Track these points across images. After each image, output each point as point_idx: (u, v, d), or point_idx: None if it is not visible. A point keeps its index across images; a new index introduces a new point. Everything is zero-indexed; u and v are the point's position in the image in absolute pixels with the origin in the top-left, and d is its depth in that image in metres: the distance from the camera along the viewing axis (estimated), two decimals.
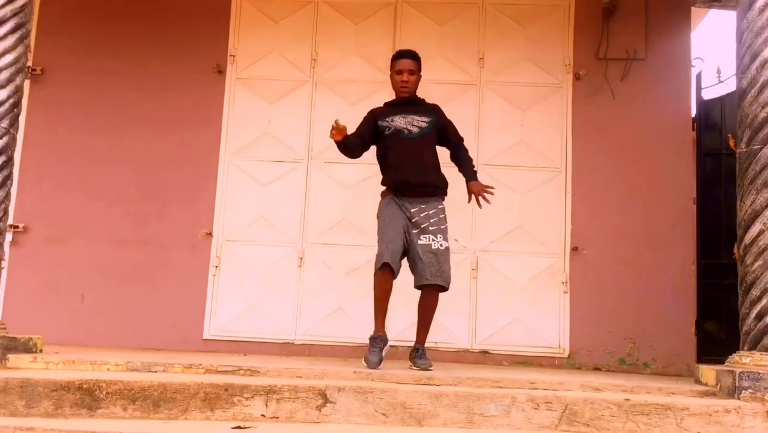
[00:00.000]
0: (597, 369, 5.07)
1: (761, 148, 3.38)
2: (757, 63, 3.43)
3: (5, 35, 3.69)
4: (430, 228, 3.86)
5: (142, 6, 5.73)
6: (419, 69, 4.04)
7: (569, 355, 5.13)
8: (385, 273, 3.77)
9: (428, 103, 4.14)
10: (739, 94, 3.58)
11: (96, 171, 5.54)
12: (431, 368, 3.65)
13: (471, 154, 4.26)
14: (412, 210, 3.89)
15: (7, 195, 3.70)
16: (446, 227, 3.95)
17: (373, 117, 4.05)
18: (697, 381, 3.56)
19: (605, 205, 5.30)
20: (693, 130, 5.45)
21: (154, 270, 5.39)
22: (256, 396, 2.89)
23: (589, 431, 2.78)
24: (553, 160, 5.40)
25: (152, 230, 5.45)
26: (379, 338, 3.77)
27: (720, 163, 5.43)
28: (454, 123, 4.23)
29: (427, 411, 2.85)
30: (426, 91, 4.28)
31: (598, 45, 5.48)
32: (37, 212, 5.47)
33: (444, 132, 4.10)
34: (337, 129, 3.75)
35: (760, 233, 3.32)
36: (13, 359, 3.42)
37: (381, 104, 4.24)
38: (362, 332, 5.21)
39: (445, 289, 3.87)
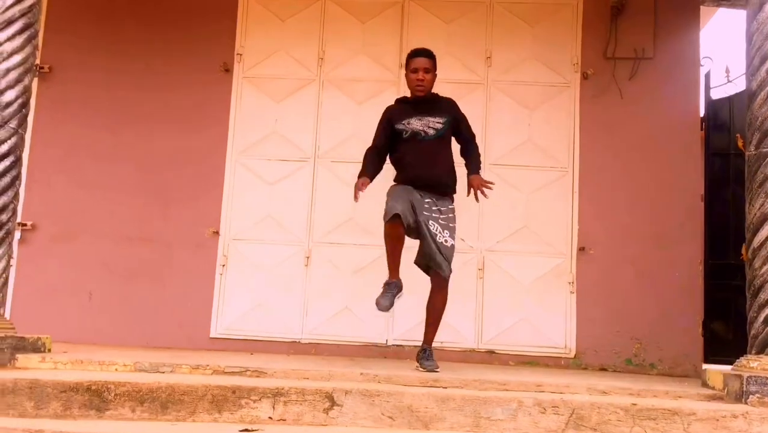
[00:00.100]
0: (603, 369, 5.06)
1: None
2: (767, 65, 3.41)
3: (13, 36, 3.70)
4: (440, 221, 3.88)
5: (150, 4, 5.73)
6: (435, 67, 4.01)
7: (576, 355, 5.13)
8: (395, 223, 3.72)
9: (443, 99, 4.08)
10: (749, 96, 3.56)
11: (104, 169, 5.55)
12: (438, 370, 3.65)
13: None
14: (425, 200, 3.89)
15: (16, 195, 3.72)
16: (454, 227, 3.96)
17: (389, 121, 4.03)
18: (705, 384, 3.55)
19: (612, 206, 5.28)
20: (701, 129, 5.42)
21: (161, 268, 5.41)
22: (263, 398, 2.90)
23: None
24: (561, 160, 5.38)
25: (160, 228, 5.46)
26: (393, 284, 3.80)
27: (728, 163, 5.41)
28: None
29: (434, 415, 2.86)
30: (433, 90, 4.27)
31: (606, 44, 5.45)
32: (45, 210, 5.49)
33: (457, 127, 4.10)
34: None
35: None
36: (21, 358, 3.44)
37: (392, 102, 4.22)
38: (369, 331, 5.26)
39: (446, 276, 3.85)
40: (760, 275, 3.32)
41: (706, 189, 5.35)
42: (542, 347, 5.15)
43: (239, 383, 2.97)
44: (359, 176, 3.98)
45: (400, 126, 3.96)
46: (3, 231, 3.59)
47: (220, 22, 5.67)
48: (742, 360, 3.31)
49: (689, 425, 2.78)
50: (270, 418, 2.87)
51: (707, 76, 5.51)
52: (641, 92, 5.41)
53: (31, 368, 3.40)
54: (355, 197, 3.87)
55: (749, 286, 3.41)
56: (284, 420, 2.87)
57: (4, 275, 3.60)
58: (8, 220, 3.63)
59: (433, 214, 3.88)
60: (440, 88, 4.46)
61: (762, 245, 3.33)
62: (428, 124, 3.93)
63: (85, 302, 5.41)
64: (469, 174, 4.07)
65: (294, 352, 5.19)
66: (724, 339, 5.18)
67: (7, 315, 3.73)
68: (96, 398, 2.92)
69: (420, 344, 4.06)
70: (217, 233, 5.43)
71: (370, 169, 3.98)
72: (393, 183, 4.07)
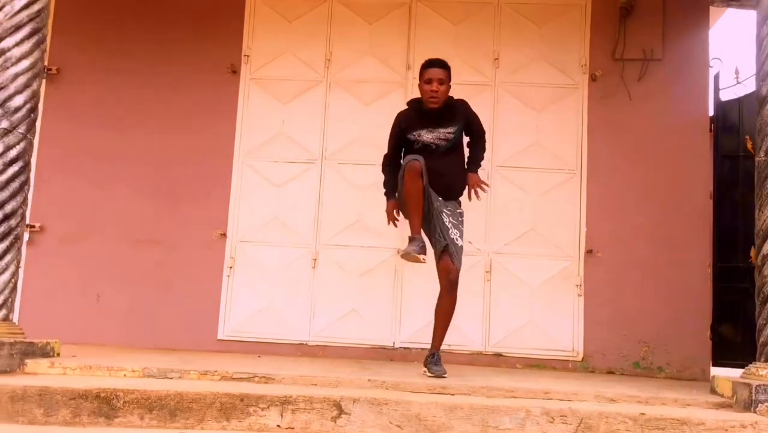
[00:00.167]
0: (611, 373, 5.06)
1: None
2: None
3: (22, 40, 3.70)
4: (452, 219, 3.88)
5: (157, 6, 5.73)
6: (449, 78, 3.94)
7: (583, 358, 5.12)
8: (412, 169, 3.67)
9: (455, 105, 4.00)
10: (759, 101, 3.54)
11: (111, 170, 5.56)
12: (445, 376, 3.65)
13: (485, 155, 4.26)
14: (438, 197, 3.91)
15: (25, 200, 3.72)
16: (463, 229, 3.95)
17: (401, 131, 4.01)
18: (713, 391, 3.54)
19: (620, 208, 5.27)
20: (710, 131, 5.39)
21: (168, 270, 5.42)
22: (271, 406, 2.91)
23: None
24: (568, 162, 5.37)
25: (167, 230, 5.47)
26: (417, 238, 3.74)
27: (737, 165, 5.38)
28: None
29: (442, 423, 2.86)
30: None
31: (615, 45, 5.43)
32: (53, 211, 5.50)
33: (469, 127, 4.09)
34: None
35: None
36: (31, 364, 3.46)
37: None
38: (376, 333, 5.26)
39: (456, 273, 3.82)
40: None
41: (715, 191, 5.33)
42: (550, 350, 5.15)
43: (247, 391, 2.97)
44: (386, 197, 4.10)
45: (411, 136, 3.95)
46: (12, 237, 3.60)
47: (227, 23, 5.67)
48: (751, 368, 3.30)
49: None
50: (278, 426, 2.88)
51: (716, 77, 5.47)
52: (650, 94, 5.38)
53: (40, 373, 3.42)
54: (394, 224, 4.08)
55: (758, 293, 3.40)
56: (292, 428, 2.88)
57: (13, 281, 3.62)
58: (17, 225, 3.64)
59: (445, 210, 3.89)
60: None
61: None
62: (439, 136, 3.91)
63: (93, 303, 5.43)
64: (467, 171, 4.08)
65: (301, 354, 5.21)
66: (732, 342, 5.15)
67: (15, 318, 3.74)
68: (105, 406, 2.93)
69: (426, 346, 4.06)
70: (224, 235, 5.44)
71: (393, 186, 4.05)
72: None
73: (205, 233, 5.46)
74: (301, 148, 5.52)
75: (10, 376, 3.28)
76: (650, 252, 5.20)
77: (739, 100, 5.43)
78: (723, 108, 5.46)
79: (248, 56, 5.64)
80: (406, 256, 3.76)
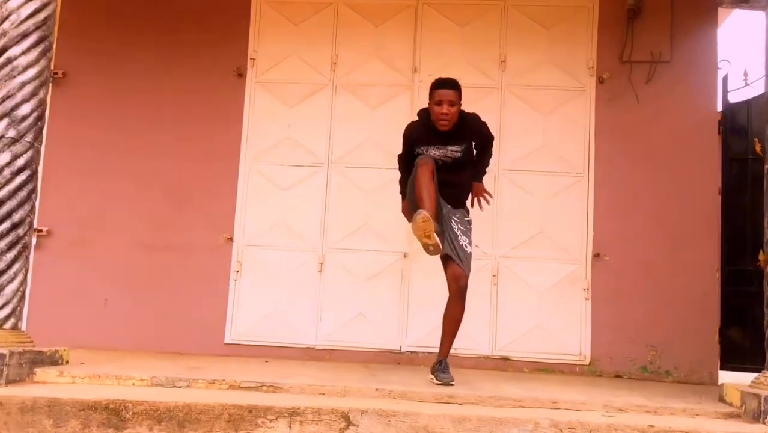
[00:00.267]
0: (618, 377, 5.05)
1: None
2: None
3: (28, 49, 3.70)
4: (460, 226, 3.88)
5: (163, 9, 5.73)
6: (460, 99, 3.85)
7: (590, 362, 5.11)
8: (426, 170, 3.64)
9: (465, 122, 3.92)
10: None
11: (118, 174, 5.57)
12: (453, 383, 3.65)
13: (492, 159, 4.26)
14: (447, 204, 3.91)
15: (32, 209, 3.73)
16: (471, 237, 3.94)
17: (411, 144, 3.98)
18: (721, 399, 3.53)
19: (628, 211, 5.25)
20: (719, 133, 5.36)
21: (176, 274, 5.43)
22: (279, 418, 2.91)
23: None
24: (576, 165, 5.35)
25: (174, 233, 5.48)
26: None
27: (746, 167, 5.34)
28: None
29: None
30: None
31: (623, 47, 5.40)
32: (60, 216, 5.52)
33: (477, 138, 4.07)
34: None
35: None
36: (39, 373, 3.47)
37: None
38: (382, 337, 5.26)
39: (465, 279, 3.80)
40: None
41: (723, 194, 5.30)
42: (557, 354, 5.14)
43: (255, 402, 2.97)
44: (403, 197, 4.12)
45: (419, 151, 3.93)
46: (20, 245, 3.61)
47: (233, 26, 5.66)
48: (760, 377, 3.29)
49: None
50: None
51: (725, 79, 5.44)
52: (658, 96, 5.36)
53: (49, 382, 3.43)
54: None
55: (767, 302, 3.38)
56: None
57: (21, 289, 3.62)
58: (25, 234, 3.65)
59: (454, 217, 3.89)
60: None
61: None
62: (446, 153, 3.89)
63: (100, 307, 5.45)
64: (472, 179, 4.09)
65: (308, 358, 5.21)
66: (740, 346, 5.13)
67: (23, 323, 3.75)
68: (114, 417, 2.93)
69: (433, 350, 4.06)
70: (231, 239, 5.44)
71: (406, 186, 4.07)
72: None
73: (211, 236, 5.47)
74: (307, 152, 5.52)
75: (20, 386, 3.29)
76: (658, 255, 5.18)
77: (747, 102, 5.40)
78: (731, 110, 5.43)
79: (254, 59, 5.64)
80: (415, 223, 3.49)
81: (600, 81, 5.39)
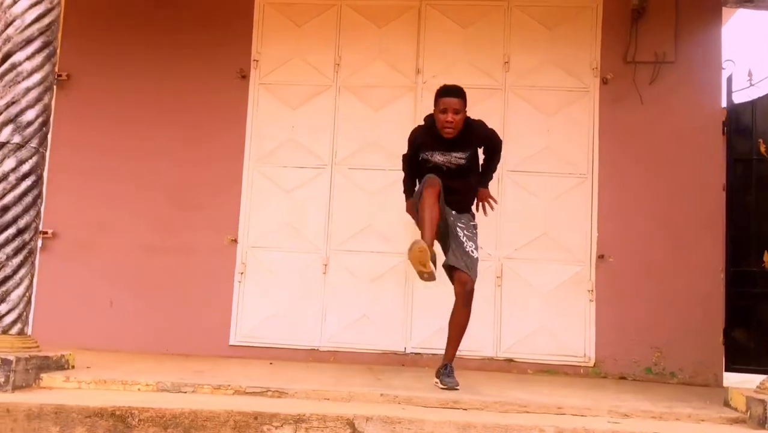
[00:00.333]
0: (623, 378, 5.05)
1: None
2: None
3: (33, 54, 3.70)
4: (466, 232, 3.87)
5: (166, 10, 5.73)
6: (464, 106, 3.85)
7: (595, 364, 5.11)
8: (433, 186, 3.65)
9: (470, 129, 3.93)
10: None
11: (122, 176, 5.58)
12: (458, 388, 3.65)
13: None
14: (452, 211, 3.92)
15: (38, 214, 3.74)
16: (477, 241, 3.95)
17: (416, 149, 4.01)
18: (726, 404, 3.52)
19: (632, 213, 5.24)
20: (723, 134, 5.34)
21: (180, 276, 5.44)
22: (285, 425, 2.92)
23: None
24: (580, 167, 5.34)
25: (178, 236, 5.49)
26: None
27: (750, 168, 5.33)
28: None
29: None
30: None
31: (627, 48, 5.38)
32: (65, 218, 5.53)
33: (483, 144, 4.08)
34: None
35: None
36: (46, 378, 3.48)
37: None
38: (387, 339, 5.27)
39: (471, 285, 3.80)
40: None
41: (728, 195, 5.28)
42: (561, 356, 5.14)
43: (261, 409, 2.98)
44: (407, 197, 4.13)
45: (424, 156, 3.94)
46: (26, 251, 3.62)
47: (236, 28, 5.66)
48: (766, 382, 3.29)
49: None
50: None
51: (729, 79, 5.42)
52: (662, 97, 5.35)
53: (55, 388, 3.44)
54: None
55: None
56: None
57: (27, 295, 3.64)
58: (30, 239, 3.66)
59: (459, 224, 3.90)
60: None
61: None
62: (450, 160, 3.89)
63: (105, 308, 5.47)
64: (478, 185, 4.10)
65: (313, 360, 5.22)
66: (745, 347, 5.13)
67: (29, 325, 3.75)
68: (120, 424, 2.94)
69: (438, 352, 4.07)
70: (235, 240, 5.45)
71: (411, 187, 4.09)
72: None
73: (216, 238, 5.48)
74: (310, 154, 5.52)
75: (26, 391, 3.31)
76: (662, 256, 5.18)
77: (752, 103, 5.38)
78: (736, 110, 5.41)
79: (257, 61, 5.63)
80: (412, 252, 3.53)
81: (604, 82, 5.38)
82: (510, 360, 5.18)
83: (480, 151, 4.11)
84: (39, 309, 5.36)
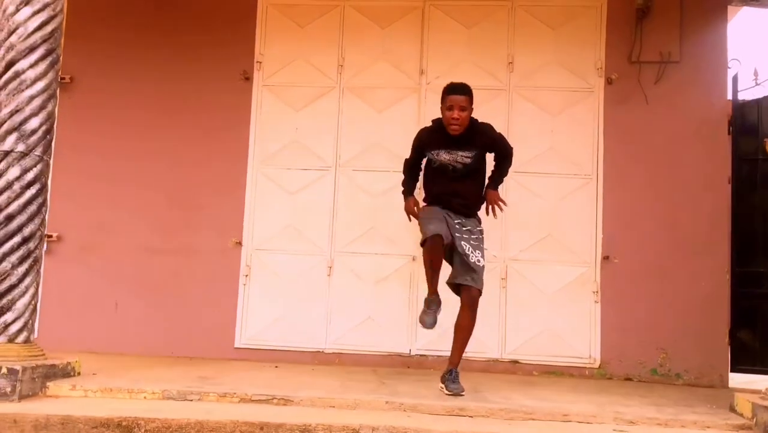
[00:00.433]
0: (628, 379, 5.04)
1: None
2: None
3: (36, 62, 3.70)
4: (471, 241, 3.88)
5: (168, 12, 5.72)
6: (471, 103, 3.88)
7: (600, 365, 5.11)
8: (435, 244, 3.74)
9: (477, 130, 3.95)
10: None
11: (126, 178, 5.58)
12: (463, 393, 3.66)
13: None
14: (455, 221, 3.92)
15: (43, 222, 3.75)
16: (484, 247, 3.94)
17: (421, 148, 4.03)
18: (732, 409, 3.52)
19: (637, 213, 5.22)
20: (728, 133, 5.32)
21: (185, 278, 5.45)
22: None
23: None
24: (584, 167, 5.32)
25: (183, 238, 5.49)
26: (433, 300, 3.82)
27: (756, 168, 5.31)
28: None
29: None
30: None
31: (631, 47, 5.35)
32: (70, 221, 5.53)
33: (492, 148, 4.08)
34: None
35: None
36: (52, 387, 3.49)
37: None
38: (392, 341, 5.28)
39: (478, 291, 3.84)
40: None
41: (734, 195, 5.27)
42: (566, 357, 5.14)
43: (267, 419, 2.98)
44: (405, 196, 4.12)
45: (429, 155, 3.96)
46: (31, 259, 3.63)
47: (240, 29, 5.65)
48: None
49: None
50: None
51: (735, 78, 5.39)
52: (667, 96, 5.32)
53: (62, 396, 3.46)
54: (416, 218, 4.02)
55: None
56: None
57: (32, 303, 3.65)
58: (35, 248, 3.67)
59: (464, 235, 3.89)
60: None
61: None
62: (456, 159, 3.89)
63: (111, 311, 5.48)
64: (487, 187, 4.08)
65: (318, 362, 5.23)
66: (751, 348, 5.12)
67: (35, 332, 3.76)
68: None
69: (443, 354, 4.07)
70: (239, 243, 5.45)
71: (411, 187, 4.13)
72: (423, 204, 4.06)
73: (220, 241, 5.49)
74: (314, 156, 5.51)
75: (33, 401, 3.32)
76: (667, 257, 5.17)
77: (758, 102, 5.35)
78: (741, 110, 5.38)
79: (261, 63, 5.62)
80: (422, 323, 3.86)
81: (608, 82, 5.35)
82: (515, 362, 5.18)
83: (491, 157, 4.10)
84: (45, 312, 5.37)
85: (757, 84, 5.38)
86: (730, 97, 5.36)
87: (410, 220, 4.12)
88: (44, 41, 3.73)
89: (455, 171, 3.92)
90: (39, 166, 3.70)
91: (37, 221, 3.68)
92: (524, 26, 5.49)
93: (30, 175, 3.65)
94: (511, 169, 5.17)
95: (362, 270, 5.38)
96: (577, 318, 5.17)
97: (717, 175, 5.22)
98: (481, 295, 3.87)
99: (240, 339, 5.37)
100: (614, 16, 5.40)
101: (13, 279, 3.56)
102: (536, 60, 5.45)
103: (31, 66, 3.69)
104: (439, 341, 4.92)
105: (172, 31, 5.70)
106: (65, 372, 3.72)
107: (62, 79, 5.55)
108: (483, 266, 3.87)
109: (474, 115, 4.00)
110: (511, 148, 4.12)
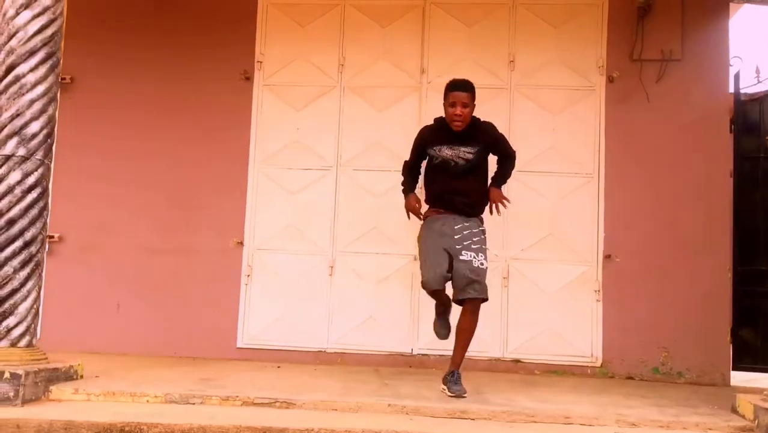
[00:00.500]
0: (630, 378, 5.05)
1: None
2: None
3: (36, 66, 3.70)
4: (473, 246, 3.86)
5: (169, 12, 5.71)
6: (473, 100, 3.90)
7: (602, 364, 5.11)
8: (435, 296, 3.99)
9: (479, 127, 3.97)
10: None
11: (127, 178, 5.58)
12: (465, 395, 3.66)
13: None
14: (456, 227, 3.89)
15: (44, 226, 3.75)
16: (486, 249, 3.93)
17: (423, 145, 4.03)
18: (734, 411, 3.52)
19: (639, 212, 5.22)
20: (730, 131, 5.30)
21: (187, 279, 5.46)
22: None
23: None
24: (586, 166, 5.31)
25: (184, 238, 5.50)
26: (443, 308, 4.06)
27: (758, 165, 5.30)
28: None
29: None
30: None
31: (633, 45, 5.34)
32: (71, 221, 5.54)
33: (494, 148, 4.07)
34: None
35: None
36: (55, 390, 3.50)
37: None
38: (393, 340, 5.28)
39: (483, 299, 3.84)
40: None
41: (735, 193, 5.26)
42: (568, 356, 5.14)
43: (269, 424, 2.99)
44: (405, 194, 4.11)
45: (431, 152, 3.95)
46: (33, 263, 3.64)
47: (240, 29, 5.63)
48: None
49: None
50: None
51: (736, 76, 5.37)
52: (668, 95, 5.31)
53: (64, 400, 3.46)
54: (417, 216, 4.04)
55: None
56: None
57: (35, 307, 3.66)
58: (37, 251, 3.68)
59: (465, 242, 3.85)
60: None
61: None
62: (458, 154, 3.89)
63: (113, 312, 5.49)
64: (490, 186, 4.07)
65: (320, 362, 5.24)
66: (752, 346, 5.12)
67: (37, 336, 3.76)
68: None
69: (445, 353, 4.09)
70: (241, 243, 5.45)
71: (411, 186, 4.14)
72: (424, 214, 4.03)
73: (222, 241, 5.49)
74: (315, 155, 5.51)
75: (36, 405, 3.33)
76: (669, 256, 5.16)
77: (760, 100, 5.33)
78: (743, 108, 5.37)
79: (261, 62, 5.61)
80: (438, 335, 4.16)
81: (610, 80, 5.34)
82: (517, 361, 5.18)
83: (493, 160, 4.10)
84: (46, 313, 5.34)
85: (759, 81, 5.36)
86: (732, 94, 5.34)
87: (409, 218, 4.08)
88: (44, 45, 3.72)
89: (457, 167, 3.91)
90: (40, 170, 3.71)
91: (38, 224, 3.68)
92: (525, 24, 5.47)
93: (31, 179, 3.66)
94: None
95: (364, 270, 5.38)
96: (578, 317, 5.17)
97: (719, 173, 5.21)
98: (486, 301, 3.85)
99: (242, 339, 5.38)
100: (615, 14, 5.38)
101: (15, 283, 3.57)
102: (537, 58, 5.43)
103: (32, 70, 3.69)
104: (440, 340, 4.92)
105: (172, 31, 5.69)
106: (68, 375, 3.72)
107: (62, 79, 5.53)
108: (486, 268, 3.86)
109: (475, 113, 4.00)
110: (514, 152, 4.12)
